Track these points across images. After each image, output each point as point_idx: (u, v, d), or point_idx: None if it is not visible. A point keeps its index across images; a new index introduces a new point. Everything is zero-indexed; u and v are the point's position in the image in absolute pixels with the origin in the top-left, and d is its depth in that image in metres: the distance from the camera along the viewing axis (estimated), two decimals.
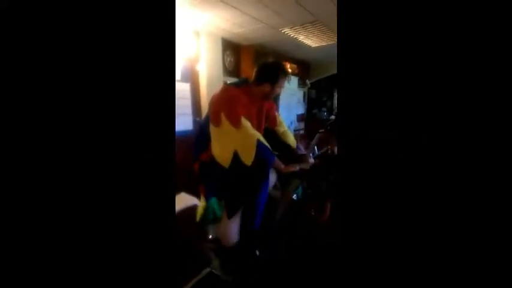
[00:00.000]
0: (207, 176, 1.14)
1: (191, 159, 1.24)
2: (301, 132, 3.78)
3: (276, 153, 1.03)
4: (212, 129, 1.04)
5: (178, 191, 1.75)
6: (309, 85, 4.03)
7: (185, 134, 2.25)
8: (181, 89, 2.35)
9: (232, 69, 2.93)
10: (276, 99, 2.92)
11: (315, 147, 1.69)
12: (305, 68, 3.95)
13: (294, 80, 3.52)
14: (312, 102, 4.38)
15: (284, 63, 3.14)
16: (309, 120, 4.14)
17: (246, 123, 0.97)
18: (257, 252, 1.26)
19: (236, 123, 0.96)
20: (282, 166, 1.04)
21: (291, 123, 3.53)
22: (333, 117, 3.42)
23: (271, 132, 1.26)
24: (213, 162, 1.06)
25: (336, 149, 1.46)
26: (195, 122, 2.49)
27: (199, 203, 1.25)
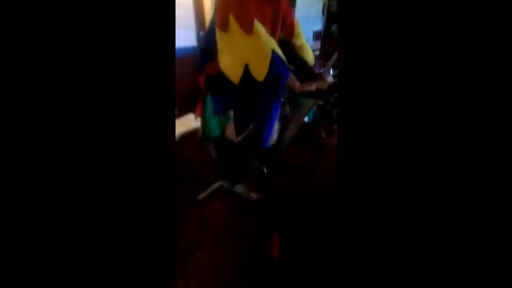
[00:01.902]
0: (213, 91, 1.05)
1: (196, 78, 1.13)
2: (316, 53, 3.42)
3: (292, 68, 0.90)
4: (219, 35, 0.87)
5: (184, 112, 1.72)
6: None
7: (187, 51, 2.04)
8: None
9: None
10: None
11: (331, 69, 1.53)
12: None
13: None
14: (332, 16, 3.76)
15: None
16: (327, 39, 3.66)
17: (259, 28, 0.81)
18: (264, 170, 1.32)
19: (248, 28, 0.79)
20: (297, 84, 0.93)
21: (307, 41, 3.14)
22: None
23: (287, 43, 1.09)
24: (220, 76, 0.95)
25: None
26: (198, 36, 2.22)
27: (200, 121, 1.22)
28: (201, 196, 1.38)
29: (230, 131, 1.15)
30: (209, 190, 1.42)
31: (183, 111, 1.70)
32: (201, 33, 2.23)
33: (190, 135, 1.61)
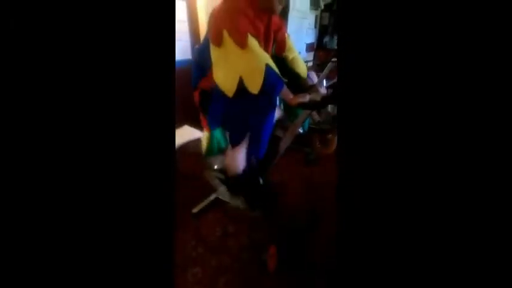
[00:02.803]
0: (209, 106, 1.06)
1: (191, 90, 1.14)
2: (309, 64, 3.49)
3: (285, 80, 0.92)
4: (213, 50, 0.89)
5: (181, 124, 1.72)
6: (323, 7, 3.48)
7: (182, 63, 2.07)
8: (176, 8, 2.02)
9: None
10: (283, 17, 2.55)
11: (324, 79, 1.55)
12: None
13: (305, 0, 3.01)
14: (324, 29, 3.88)
15: None
16: (319, 50, 3.76)
17: (253, 42, 0.82)
18: (260, 180, 1.31)
19: (242, 43, 0.81)
20: (291, 96, 0.94)
21: (299, 53, 3.22)
22: None
23: (279, 58, 1.11)
24: (214, 90, 0.96)
25: None
26: (193, 49, 2.26)
27: (203, 135, 1.22)
28: (196, 209, 1.36)
29: (230, 162, 1.12)
30: (204, 203, 1.40)
31: (178, 123, 1.70)
32: (196, 46, 2.27)
33: (186, 146, 1.61)
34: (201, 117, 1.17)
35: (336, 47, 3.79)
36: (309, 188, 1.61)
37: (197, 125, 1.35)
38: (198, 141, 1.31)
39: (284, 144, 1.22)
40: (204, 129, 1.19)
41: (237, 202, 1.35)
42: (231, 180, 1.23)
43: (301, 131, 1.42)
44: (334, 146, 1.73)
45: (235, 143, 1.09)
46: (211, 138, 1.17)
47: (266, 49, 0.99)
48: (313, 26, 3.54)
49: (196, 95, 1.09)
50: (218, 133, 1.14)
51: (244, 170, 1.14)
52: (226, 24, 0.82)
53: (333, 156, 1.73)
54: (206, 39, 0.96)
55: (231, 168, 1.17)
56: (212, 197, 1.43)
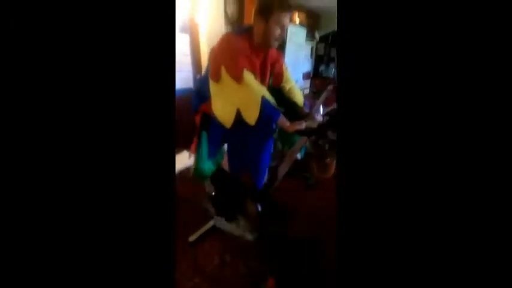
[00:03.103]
0: (209, 129, 1.08)
1: (192, 118, 1.18)
2: (306, 91, 3.63)
3: (282, 109, 0.96)
4: (212, 85, 0.95)
5: (179, 150, 1.75)
6: (318, 39, 3.71)
7: (185, 92, 2.15)
8: (180, 41, 2.16)
9: (235, 19, 2.66)
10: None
11: (321, 106, 1.61)
12: (315, 18, 3.59)
13: (302, 32, 3.22)
14: (320, 58, 4.11)
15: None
16: (315, 78, 3.93)
17: (248, 77, 0.88)
18: (259, 208, 1.30)
19: (238, 78, 0.86)
20: (288, 124, 0.98)
21: (296, 81, 3.37)
22: None
23: (276, 90, 1.17)
24: (214, 122, 1.00)
25: None
26: (195, 79, 2.37)
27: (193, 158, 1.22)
28: (192, 238, 1.33)
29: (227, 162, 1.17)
30: (201, 231, 1.37)
31: (178, 149, 1.73)
32: (198, 76, 2.39)
33: (185, 172, 1.61)
34: (194, 140, 1.18)
35: (331, 75, 3.97)
36: (310, 214, 1.59)
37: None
38: None
39: (282, 170, 1.24)
40: (191, 152, 1.19)
41: (233, 228, 1.33)
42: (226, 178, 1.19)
43: (299, 157, 1.44)
44: (332, 170, 1.74)
45: (234, 169, 1.11)
46: (199, 163, 1.17)
47: (263, 81, 1.05)
48: (309, 56, 3.75)
49: (197, 118, 1.13)
50: (208, 160, 1.14)
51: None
52: (224, 61, 0.89)
53: (331, 181, 1.73)
54: (207, 71, 1.03)
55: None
56: (210, 224, 1.40)
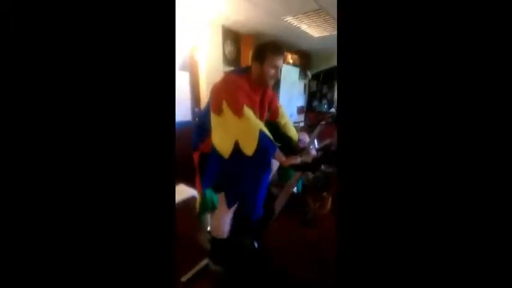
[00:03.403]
0: (207, 168, 1.11)
1: (190, 150, 1.21)
2: (301, 124, 3.75)
3: (278, 144, 1.00)
4: (213, 117, 1.00)
5: (177, 182, 1.74)
6: (310, 76, 3.96)
7: (184, 125, 2.22)
8: (180, 78, 2.29)
9: (232, 58, 2.86)
10: (276, 89, 2.86)
11: (315, 140, 1.66)
12: (306, 58, 3.87)
13: (295, 71, 3.45)
14: (313, 95, 4.33)
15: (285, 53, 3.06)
16: (309, 112, 4.10)
17: (248, 112, 0.94)
18: (255, 244, 1.25)
19: (238, 112, 0.92)
20: (283, 158, 1.01)
21: (291, 115, 3.51)
22: (333, 109, 3.38)
23: (272, 124, 1.23)
24: (213, 153, 1.03)
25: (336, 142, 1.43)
26: (193, 112, 2.45)
27: (198, 195, 1.24)
28: (185, 278, 1.25)
29: (215, 226, 1.17)
30: (194, 270, 1.29)
31: (176, 181, 1.72)
32: (196, 109, 2.47)
33: (183, 205, 1.57)
34: (197, 177, 1.20)
35: (323, 110, 4.15)
36: (309, 254, 1.53)
37: (193, 183, 1.37)
38: (193, 199, 1.31)
39: (279, 204, 1.22)
40: (197, 189, 1.22)
41: (218, 269, 1.26)
42: (213, 244, 1.20)
43: (295, 191, 1.44)
44: (329, 205, 1.73)
45: (230, 201, 1.10)
46: (204, 198, 1.19)
47: (261, 117, 1.11)
48: (302, 93, 3.96)
49: (196, 157, 1.16)
50: (211, 193, 1.17)
51: (231, 232, 1.13)
52: (226, 96, 0.95)
53: (329, 217, 1.70)
54: (207, 106, 1.08)
55: (215, 229, 1.18)
56: (203, 262, 1.33)
